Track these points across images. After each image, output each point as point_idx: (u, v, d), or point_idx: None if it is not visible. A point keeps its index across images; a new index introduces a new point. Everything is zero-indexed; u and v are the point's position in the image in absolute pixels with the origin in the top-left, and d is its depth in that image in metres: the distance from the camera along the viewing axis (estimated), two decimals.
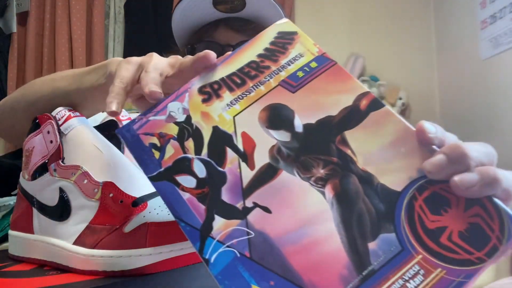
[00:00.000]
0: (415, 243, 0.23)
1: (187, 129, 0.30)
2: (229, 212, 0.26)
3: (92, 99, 0.46)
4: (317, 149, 0.27)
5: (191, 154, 0.29)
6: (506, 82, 2.05)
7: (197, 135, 0.29)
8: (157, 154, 0.29)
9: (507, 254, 0.23)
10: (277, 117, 0.29)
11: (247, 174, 0.27)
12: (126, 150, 0.48)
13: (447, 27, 2.56)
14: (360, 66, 2.48)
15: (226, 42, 0.72)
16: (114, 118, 0.52)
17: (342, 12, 2.59)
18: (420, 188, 0.25)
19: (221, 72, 0.32)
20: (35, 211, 0.42)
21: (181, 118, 0.30)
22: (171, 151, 0.29)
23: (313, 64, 0.31)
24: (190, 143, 0.29)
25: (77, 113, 0.43)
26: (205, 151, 0.29)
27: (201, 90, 0.31)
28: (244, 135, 0.29)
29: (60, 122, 0.41)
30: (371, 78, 2.46)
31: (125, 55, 2.22)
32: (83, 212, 0.38)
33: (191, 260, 0.34)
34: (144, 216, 0.36)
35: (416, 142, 0.26)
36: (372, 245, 0.24)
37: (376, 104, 0.28)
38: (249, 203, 0.26)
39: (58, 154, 0.40)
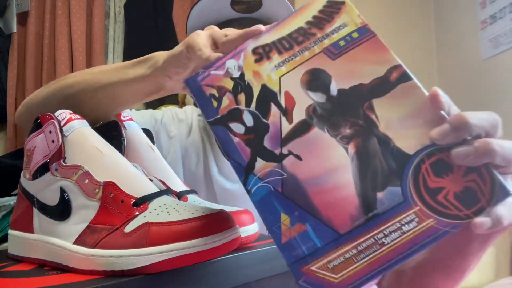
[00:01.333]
0: (415, 197, 0.28)
1: (240, 85, 0.35)
2: (269, 156, 0.32)
3: (135, 90, 0.49)
4: (347, 111, 0.31)
5: (242, 106, 0.34)
6: (506, 82, 2.05)
7: (248, 90, 0.34)
8: (215, 103, 0.35)
9: (490, 215, 0.27)
10: (315, 81, 0.33)
11: (286, 127, 0.32)
12: (127, 151, 0.48)
13: (447, 27, 2.56)
14: None
15: None
16: (115, 121, 0.52)
17: None
18: (429, 154, 0.29)
19: (273, 35, 0.36)
20: (35, 210, 0.42)
21: (236, 74, 0.35)
22: (226, 102, 0.34)
23: (355, 35, 0.33)
24: (242, 97, 0.34)
25: (78, 116, 0.43)
26: (253, 104, 0.34)
27: (254, 51, 0.36)
28: (287, 94, 0.33)
29: (61, 124, 0.41)
30: None
31: (125, 55, 2.22)
32: (84, 212, 0.38)
33: (191, 260, 0.34)
34: (144, 216, 0.36)
35: (433, 115, 0.30)
36: (380, 195, 0.29)
37: (405, 77, 0.31)
38: (285, 150, 0.32)
39: (59, 154, 0.40)
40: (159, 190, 0.41)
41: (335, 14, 0.35)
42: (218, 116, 0.34)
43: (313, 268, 0.28)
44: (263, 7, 0.73)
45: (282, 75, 0.34)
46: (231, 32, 0.40)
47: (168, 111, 0.77)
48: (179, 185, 0.49)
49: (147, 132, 0.55)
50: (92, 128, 0.44)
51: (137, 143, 0.51)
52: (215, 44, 0.41)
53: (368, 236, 0.28)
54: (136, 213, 0.37)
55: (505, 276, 1.61)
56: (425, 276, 0.36)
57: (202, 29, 0.76)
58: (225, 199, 0.72)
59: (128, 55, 2.24)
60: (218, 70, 0.36)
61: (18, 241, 0.44)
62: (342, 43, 0.33)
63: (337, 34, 0.34)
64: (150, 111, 0.77)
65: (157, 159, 0.51)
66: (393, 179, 0.29)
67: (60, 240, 0.39)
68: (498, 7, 2.06)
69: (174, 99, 2.39)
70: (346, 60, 0.33)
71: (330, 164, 0.30)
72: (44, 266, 0.40)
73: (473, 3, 2.25)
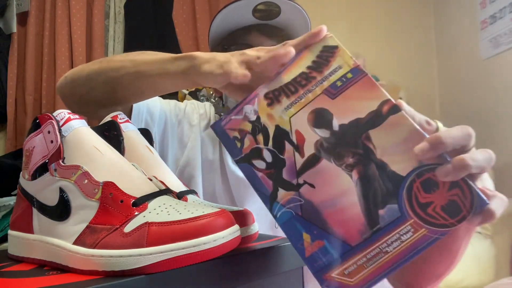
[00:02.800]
0: (410, 211, 0.34)
1: (258, 127, 0.40)
2: (288, 186, 0.38)
3: (174, 83, 0.53)
4: (348, 143, 0.36)
5: (261, 145, 0.40)
6: (506, 82, 2.04)
7: (265, 131, 0.40)
8: (238, 144, 0.41)
9: (471, 222, 0.33)
10: (320, 119, 0.38)
11: (299, 161, 0.38)
12: (126, 150, 0.48)
13: (447, 27, 2.56)
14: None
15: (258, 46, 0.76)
16: (113, 120, 0.52)
17: (342, 12, 2.59)
18: (419, 174, 0.34)
19: (280, 81, 0.41)
20: (35, 211, 0.42)
21: (253, 118, 0.41)
22: (248, 142, 0.40)
23: (349, 75, 0.38)
24: (260, 137, 0.40)
25: (77, 116, 0.43)
26: (270, 143, 0.39)
27: (266, 96, 0.41)
28: (297, 132, 0.38)
29: (60, 124, 0.41)
30: None
31: None
32: (83, 212, 0.38)
33: (191, 260, 0.34)
34: (144, 216, 0.36)
35: (420, 140, 0.34)
36: (381, 212, 0.35)
37: (394, 110, 0.36)
38: (300, 180, 0.38)
39: (58, 154, 0.40)
40: (158, 190, 0.41)
41: (331, 58, 0.39)
42: (242, 155, 0.40)
43: (333, 275, 0.35)
44: (281, 15, 0.77)
45: (292, 116, 0.39)
46: (263, 54, 0.43)
47: (190, 104, 0.82)
48: (178, 185, 0.49)
49: (146, 132, 0.55)
50: (91, 128, 0.44)
51: (135, 144, 0.51)
52: (249, 67, 0.44)
53: (374, 246, 0.34)
54: (136, 213, 0.37)
55: (505, 276, 1.61)
56: (422, 259, 0.41)
57: (224, 35, 0.80)
58: (237, 186, 0.77)
59: None
60: (238, 115, 0.41)
61: (18, 242, 0.44)
62: (339, 83, 0.38)
63: (334, 75, 0.38)
64: (174, 101, 0.82)
65: (156, 160, 0.51)
66: (391, 197, 0.34)
67: (60, 240, 0.38)
68: (498, 7, 2.06)
69: (174, 99, 2.39)
70: (343, 99, 0.37)
71: (338, 190, 0.36)
72: (44, 266, 0.40)
73: (473, 3, 2.24)
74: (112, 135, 0.47)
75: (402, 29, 2.61)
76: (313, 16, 2.54)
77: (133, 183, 0.39)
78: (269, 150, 0.39)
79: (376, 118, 0.36)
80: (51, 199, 0.40)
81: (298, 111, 0.39)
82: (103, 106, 0.62)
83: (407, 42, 2.61)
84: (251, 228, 0.46)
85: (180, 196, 0.46)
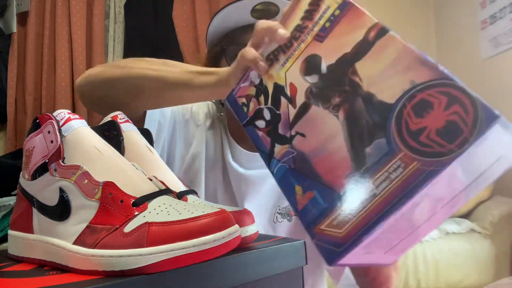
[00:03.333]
0: (399, 143, 0.29)
1: (260, 89, 0.41)
2: (282, 140, 0.38)
3: (197, 95, 0.56)
4: (335, 83, 0.34)
5: (262, 105, 0.40)
6: (506, 82, 2.05)
7: (265, 91, 0.40)
8: (245, 109, 0.42)
9: (478, 144, 0.25)
10: (309, 66, 0.37)
11: (292, 112, 0.37)
12: (126, 151, 0.48)
13: (447, 27, 2.57)
14: None
15: None
16: (113, 120, 0.52)
17: None
18: (410, 97, 0.29)
19: (275, 44, 0.41)
20: (35, 211, 0.42)
21: (256, 81, 0.42)
22: (252, 105, 0.42)
23: (337, 12, 0.36)
24: (261, 98, 0.41)
25: (76, 116, 0.43)
26: (269, 101, 0.40)
27: (267, 58, 0.41)
28: (291, 85, 0.38)
29: (60, 124, 0.41)
30: None
31: (125, 55, 2.22)
32: (83, 212, 0.38)
33: (191, 260, 0.34)
34: (144, 216, 0.36)
35: (411, 58, 0.30)
36: (368, 150, 0.30)
37: (382, 32, 0.32)
38: (293, 132, 0.37)
39: (58, 154, 0.40)
40: (158, 190, 0.41)
41: (320, 2, 0.37)
42: (248, 118, 0.42)
43: (322, 227, 0.32)
44: (280, 14, 0.77)
45: (287, 70, 0.39)
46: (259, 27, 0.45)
47: (195, 104, 0.84)
48: (178, 185, 0.49)
49: (146, 132, 0.55)
50: (91, 128, 0.44)
51: (135, 144, 0.51)
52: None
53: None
54: (136, 213, 0.37)
55: (505, 276, 1.61)
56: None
57: (222, 35, 0.81)
58: (238, 181, 0.78)
59: (128, 55, 2.24)
60: (245, 82, 0.43)
61: (18, 242, 0.44)
62: (327, 24, 0.36)
63: (323, 18, 0.37)
64: None
65: (156, 160, 0.51)
66: (379, 131, 0.30)
67: (60, 240, 0.39)
68: (498, 7, 2.06)
69: None
70: (332, 38, 0.35)
71: (326, 134, 0.34)
72: (44, 266, 0.40)
73: (473, 3, 2.25)
74: (112, 135, 0.47)
75: (402, 29, 2.61)
76: None
77: (133, 183, 0.39)
78: (268, 108, 0.40)
79: (363, 47, 0.33)
80: (51, 199, 0.40)
81: (292, 64, 0.38)
82: (122, 110, 0.62)
83: (407, 42, 2.61)
84: (251, 228, 0.46)
85: (180, 196, 0.46)
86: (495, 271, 1.68)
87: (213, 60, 0.82)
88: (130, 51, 2.21)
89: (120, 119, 0.52)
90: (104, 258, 0.35)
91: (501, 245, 1.71)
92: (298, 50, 0.38)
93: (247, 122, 0.41)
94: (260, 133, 0.40)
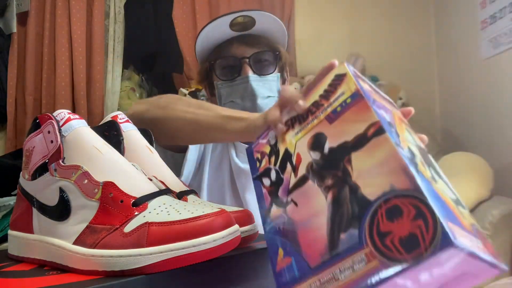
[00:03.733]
0: (368, 239, 0.31)
1: (274, 149, 0.44)
2: (280, 203, 0.40)
3: (229, 138, 0.64)
4: (332, 165, 0.36)
5: (271, 165, 0.43)
6: (506, 82, 2.04)
7: (277, 153, 0.43)
8: (258, 164, 0.45)
9: (431, 262, 0.27)
10: (316, 142, 0.39)
11: (293, 180, 0.40)
12: (126, 151, 0.48)
13: (447, 27, 2.56)
14: (360, 66, 2.48)
15: (241, 55, 0.85)
16: (113, 120, 0.52)
17: (342, 12, 2.59)
18: (386, 200, 0.31)
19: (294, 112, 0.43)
20: (35, 211, 0.42)
21: (272, 141, 0.45)
22: (264, 162, 0.44)
23: (348, 100, 0.38)
24: (272, 158, 0.43)
25: (76, 116, 0.43)
26: (278, 163, 0.42)
27: (286, 122, 0.44)
28: (298, 154, 0.40)
29: (60, 124, 0.41)
30: (371, 78, 2.46)
31: (125, 55, 2.22)
32: (83, 212, 0.38)
33: (191, 260, 0.34)
34: (144, 216, 0.36)
35: (396, 164, 0.31)
36: (342, 236, 0.33)
37: (379, 131, 0.34)
38: (289, 198, 0.39)
39: (58, 154, 0.40)
40: (158, 190, 0.41)
41: (338, 85, 0.40)
42: (257, 174, 0.44)
43: None
44: (257, 25, 0.84)
45: (298, 140, 0.41)
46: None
47: None
48: (178, 185, 0.49)
49: (146, 132, 0.55)
50: (91, 128, 0.44)
51: (135, 144, 0.51)
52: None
53: (329, 271, 0.33)
54: (136, 213, 0.37)
55: (505, 276, 1.61)
56: None
57: (209, 51, 0.88)
58: (239, 175, 0.86)
59: (128, 55, 2.24)
60: (264, 139, 0.46)
61: (18, 242, 0.44)
62: (339, 109, 0.38)
63: (337, 101, 0.39)
64: None
65: (155, 160, 0.51)
66: (355, 222, 0.32)
67: (60, 240, 0.39)
68: (498, 7, 2.06)
69: None
70: (339, 123, 0.38)
71: (314, 210, 0.36)
72: (44, 266, 0.40)
73: (473, 3, 2.24)
74: (112, 135, 0.47)
75: (402, 29, 2.61)
76: (313, 16, 2.53)
77: (133, 183, 0.39)
78: (275, 170, 0.42)
79: (361, 141, 0.35)
80: (51, 199, 0.40)
81: (303, 135, 0.41)
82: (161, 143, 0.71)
83: (407, 42, 2.61)
84: (251, 228, 0.46)
85: (180, 196, 0.46)
86: None
87: (205, 75, 0.90)
88: (130, 51, 2.21)
89: (120, 119, 0.52)
90: (104, 258, 0.35)
91: (501, 245, 1.71)
92: (311, 124, 0.41)
93: (256, 176, 0.45)
94: (264, 190, 0.43)
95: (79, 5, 2.11)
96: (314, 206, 0.36)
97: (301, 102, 0.43)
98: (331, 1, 2.58)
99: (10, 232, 0.45)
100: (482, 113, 2.22)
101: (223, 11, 2.32)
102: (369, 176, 0.33)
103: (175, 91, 2.29)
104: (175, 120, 0.67)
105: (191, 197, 0.47)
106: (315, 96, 0.42)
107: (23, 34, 2.08)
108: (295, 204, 0.38)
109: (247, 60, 0.84)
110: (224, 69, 0.86)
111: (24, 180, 0.44)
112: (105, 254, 0.35)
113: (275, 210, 0.40)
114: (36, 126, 0.43)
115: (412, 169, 0.31)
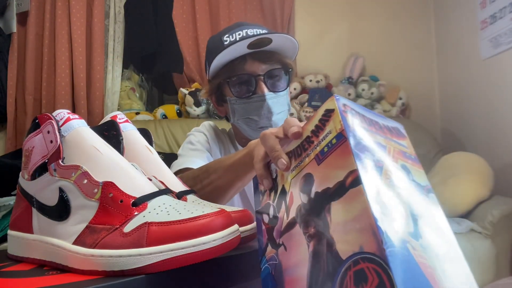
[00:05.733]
0: None
1: (274, 183, 0.42)
2: (273, 243, 0.39)
3: (249, 175, 0.67)
4: (315, 213, 0.35)
5: (271, 201, 0.42)
6: (506, 82, 2.04)
7: (276, 188, 0.42)
8: (260, 197, 0.44)
9: None
10: (306, 184, 0.37)
11: (285, 221, 0.38)
12: (126, 151, 0.48)
13: (447, 27, 2.56)
14: (360, 66, 2.48)
15: (255, 73, 0.86)
16: (113, 120, 0.52)
17: (342, 12, 2.59)
18: (355, 262, 0.29)
19: (293, 144, 0.41)
20: (34, 211, 0.42)
21: (274, 175, 0.43)
22: (265, 197, 0.43)
23: (334, 141, 0.35)
24: (272, 194, 0.42)
25: (76, 116, 0.43)
26: (276, 200, 0.41)
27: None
28: (291, 194, 0.39)
29: (59, 124, 0.41)
30: (371, 78, 2.46)
31: (125, 55, 2.22)
32: (83, 212, 0.38)
33: (191, 260, 0.34)
34: (144, 216, 0.36)
35: (366, 223, 0.30)
36: None
37: (356, 182, 0.32)
38: (280, 241, 0.38)
39: (58, 154, 0.40)
40: (158, 189, 0.41)
41: (327, 122, 0.37)
42: (260, 208, 0.43)
43: None
44: (272, 43, 0.84)
45: (292, 178, 0.39)
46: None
47: (197, 138, 0.97)
48: (178, 186, 0.49)
49: (146, 132, 0.55)
50: (91, 127, 0.44)
51: (135, 144, 0.51)
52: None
53: None
54: (136, 213, 0.37)
55: (505, 276, 1.61)
56: None
57: (221, 65, 0.88)
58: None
59: (128, 55, 2.24)
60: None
61: (18, 242, 0.44)
62: (325, 149, 0.36)
63: (324, 141, 0.36)
64: (204, 139, 0.98)
65: (155, 160, 0.51)
66: (328, 281, 0.31)
67: (60, 240, 0.38)
68: (498, 7, 2.06)
69: (174, 99, 2.39)
70: (325, 166, 0.35)
71: (298, 258, 0.35)
72: (44, 266, 0.40)
73: (473, 3, 2.24)
74: (111, 135, 0.47)
75: (402, 29, 2.61)
76: (313, 16, 2.54)
77: (132, 183, 0.39)
78: (273, 206, 0.41)
79: (340, 190, 0.33)
80: (51, 199, 0.40)
81: (297, 174, 0.39)
82: None
83: (407, 42, 2.61)
84: (251, 228, 0.46)
85: (180, 196, 0.46)
86: (495, 271, 1.68)
87: (216, 89, 0.91)
88: (130, 51, 2.21)
89: (120, 119, 0.52)
90: (104, 258, 0.35)
91: (501, 245, 1.70)
92: (303, 162, 0.38)
93: (258, 211, 0.43)
94: (263, 227, 0.42)
95: (79, 5, 2.11)
96: (299, 254, 0.35)
97: (294, 128, 0.40)
98: (331, 1, 2.58)
99: (9, 232, 0.45)
100: (482, 113, 2.22)
101: (223, 11, 2.32)
102: (343, 231, 0.31)
103: (175, 91, 2.30)
104: (205, 196, 0.69)
105: (190, 197, 0.47)
106: (309, 130, 0.39)
107: (23, 34, 2.08)
108: (285, 247, 0.37)
109: (262, 77, 0.85)
110: (238, 86, 0.86)
111: (23, 180, 0.44)
112: (105, 254, 0.35)
113: (270, 250, 0.39)
114: (35, 126, 0.43)
115: (383, 230, 0.28)
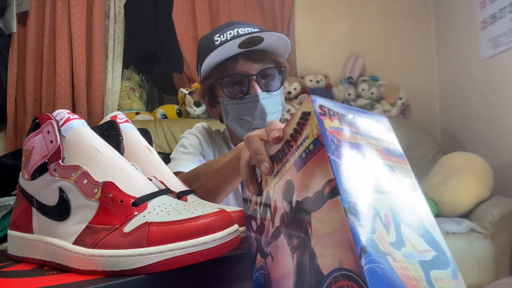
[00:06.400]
0: None
1: (259, 188, 0.41)
2: (262, 252, 0.38)
3: (236, 175, 0.65)
4: (297, 223, 0.34)
5: (257, 207, 0.40)
6: (506, 82, 2.04)
7: (261, 193, 0.40)
8: (248, 203, 0.42)
9: None
10: (287, 192, 0.36)
11: (271, 230, 0.37)
12: (126, 151, 0.48)
13: (447, 27, 2.56)
14: (360, 66, 2.48)
15: (248, 73, 0.84)
16: (113, 120, 0.52)
17: (342, 12, 2.59)
18: (335, 278, 0.29)
19: (275, 148, 0.39)
20: (34, 211, 0.42)
21: (259, 179, 0.41)
22: (252, 203, 0.42)
23: (311, 147, 0.34)
24: (259, 199, 0.40)
25: (76, 116, 0.43)
26: (262, 206, 0.40)
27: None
28: (275, 201, 0.37)
29: (59, 124, 0.41)
30: (371, 78, 2.46)
31: (125, 55, 2.22)
32: (83, 212, 0.38)
33: (191, 260, 0.34)
34: (144, 216, 0.36)
35: (344, 237, 0.28)
36: None
37: (333, 193, 0.30)
38: (268, 250, 0.37)
39: (58, 154, 0.40)
40: (158, 190, 0.41)
41: (304, 126, 0.35)
42: (247, 214, 0.42)
43: None
44: (264, 42, 0.82)
45: (275, 184, 0.38)
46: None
47: (189, 141, 0.96)
48: (178, 186, 0.49)
49: (146, 132, 0.55)
50: (91, 127, 0.44)
51: (135, 144, 0.51)
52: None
53: None
54: (136, 213, 0.37)
55: (505, 276, 1.61)
56: None
57: (214, 65, 0.86)
58: None
59: (128, 55, 2.24)
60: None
61: (18, 242, 0.44)
62: (303, 155, 0.34)
63: (302, 146, 0.35)
64: (196, 142, 0.97)
65: (155, 160, 0.51)
66: None
67: (60, 240, 0.39)
68: (498, 7, 2.06)
69: (174, 99, 2.40)
70: (303, 173, 0.34)
71: (284, 270, 0.34)
72: (44, 266, 0.40)
73: (473, 3, 2.24)
74: (111, 135, 0.47)
75: (402, 29, 2.61)
76: (313, 16, 2.54)
77: (132, 183, 0.39)
78: (260, 213, 0.40)
79: (319, 200, 0.31)
80: (51, 199, 0.40)
81: (279, 179, 0.37)
82: None
83: (407, 42, 2.61)
84: None
85: (180, 196, 0.46)
86: (495, 271, 1.68)
87: (208, 90, 0.90)
88: (130, 51, 2.21)
89: (120, 119, 0.52)
90: (104, 258, 0.35)
91: (501, 245, 1.70)
92: (284, 168, 0.36)
93: (246, 217, 0.42)
94: (252, 234, 0.41)
95: (79, 5, 2.11)
96: (285, 266, 0.34)
97: (274, 132, 0.38)
98: (331, 1, 2.58)
99: (9, 232, 0.45)
100: (482, 113, 2.22)
101: (223, 11, 2.32)
102: (323, 244, 0.30)
103: (175, 91, 2.30)
104: (205, 186, 0.69)
105: (190, 197, 0.47)
106: (288, 133, 0.37)
107: (23, 34, 2.08)
108: (272, 258, 0.36)
109: (255, 77, 0.83)
110: (231, 86, 0.85)
111: (23, 180, 0.44)
112: (105, 254, 0.35)
113: (259, 259, 0.38)
114: (35, 126, 0.43)
115: (360, 245, 0.27)
